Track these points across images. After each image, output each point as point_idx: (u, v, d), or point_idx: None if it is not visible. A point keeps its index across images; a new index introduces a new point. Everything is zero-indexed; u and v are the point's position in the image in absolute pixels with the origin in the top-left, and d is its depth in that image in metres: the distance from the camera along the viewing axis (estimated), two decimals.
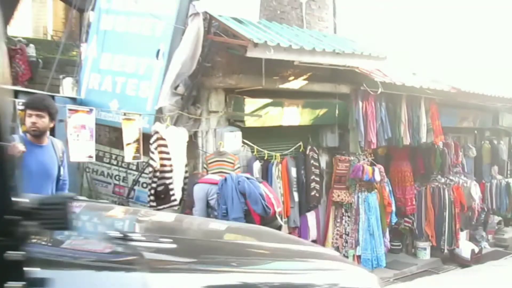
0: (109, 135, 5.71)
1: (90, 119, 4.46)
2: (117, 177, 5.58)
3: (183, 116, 5.16)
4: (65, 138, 4.12)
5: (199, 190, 4.51)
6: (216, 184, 4.43)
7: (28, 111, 2.99)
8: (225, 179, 4.34)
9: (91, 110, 4.49)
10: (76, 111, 4.42)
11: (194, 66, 4.98)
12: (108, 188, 5.65)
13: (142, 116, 4.73)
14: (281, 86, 5.59)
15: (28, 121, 2.96)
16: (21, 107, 3.94)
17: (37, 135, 3.03)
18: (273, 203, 4.25)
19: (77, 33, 9.29)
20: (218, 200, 4.37)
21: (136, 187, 5.39)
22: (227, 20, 4.96)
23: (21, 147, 2.72)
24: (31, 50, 8.98)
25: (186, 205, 5.06)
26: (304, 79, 5.95)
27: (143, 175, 5.28)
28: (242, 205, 4.23)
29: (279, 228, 4.76)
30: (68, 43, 9.26)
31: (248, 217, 4.22)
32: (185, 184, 5.01)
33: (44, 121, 3.02)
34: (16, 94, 4.56)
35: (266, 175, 5.33)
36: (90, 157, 4.44)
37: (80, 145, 4.36)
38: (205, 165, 5.19)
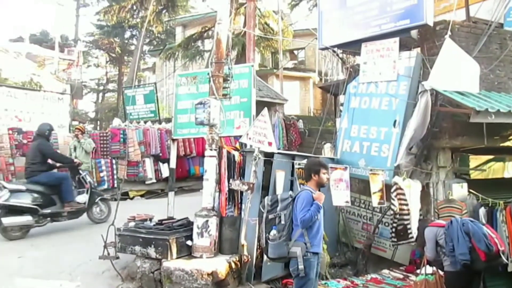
0: (358, 185, 7.25)
1: (346, 174, 6.09)
2: (364, 217, 7.06)
3: (417, 170, 6.29)
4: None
5: (429, 232, 4.97)
6: (443, 227, 4.89)
7: (323, 170, 4.47)
8: (451, 222, 4.79)
9: (346, 167, 6.14)
10: (336, 168, 6.09)
11: (424, 131, 6.06)
12: (358, 225, 7.17)
13: (384, 171, 6.12)
14: (502, 144, 6.08)
15: (324, 177, 4.47)
16: (299, 166, 5.90)
17: (324, 186, 4.71)
18: (496, 242, 4.57)
19: (331, 110, 11.62)
20: (445, 239, 4.77)
21: (380, 225, 6.72)
22: (451, 94, 5.88)
23: (322, 195, 4.21)
24: (300, 124, 11.72)
25: (418, 244, 5.88)
26: None
27: (385, 216, 6.58)
28: (467, 243, 4.55)
29: (504, 266, 5.22)
30: (325, 117, 11.69)
31: (473, 253, 4.55)
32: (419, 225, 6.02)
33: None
34: (293, 156, 6.60)
35: (491, 220, 5.82)
36: (347, 202, 5.98)
37: (339, 194, 5.95)
38: (436, 210, 6.11)
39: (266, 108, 5.60)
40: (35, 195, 6.95)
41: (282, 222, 4.08)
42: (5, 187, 6.80)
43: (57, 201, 7.23)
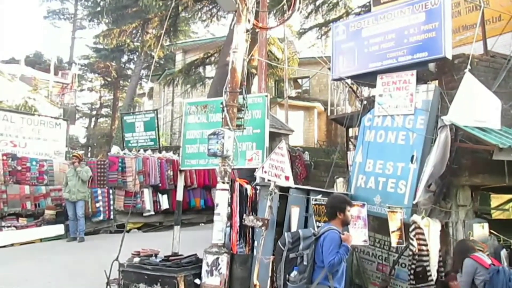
0: (372, 223, 7.19)
1: (363, 211, 6.10)
2: (380, 257, 7.00)
3: (436, 209, 6.29)
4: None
5: (470, 266, 4.94)
6: (486, 267, 4.82)
7: (348, 207, 4.46)
8: (498, 271, 4.71)
9: (363, 204, 6.15)
10: (353, 205, 6.09)
11: (443, 168, 6.06)
12: (373, 266, 7.09)
13: (402, 209, 6.12)
14: None
15: (349, 215, 4.49)
16: (315, 202, 5.92)
17: (348, 224, 4.70)
18: None
19: (336, 141, 11.75)
20: (485, 284, 4.71)
21: (396, 266, 6.64)
22: (472, 129, 5.90)
23: (351, 237, 4.19)
24: (306, 156, 11.79)
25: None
26: None
27: (402, 256, 6.52)
28: None
29: None
30: (331, 149, 11.79)
31: None
32: (440, 267, 5.98)
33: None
34: (308, 191, 6.50)
35: None
36: (365, 241, 5.96)
37: (357, 232, 5.93)
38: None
39: (283, 140, 5.66)
40: None
41: (305, 262, 4.03)
42: None
43: None
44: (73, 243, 9.74)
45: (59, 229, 10.34)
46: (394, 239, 5.93)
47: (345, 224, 4.35)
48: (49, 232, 10.16)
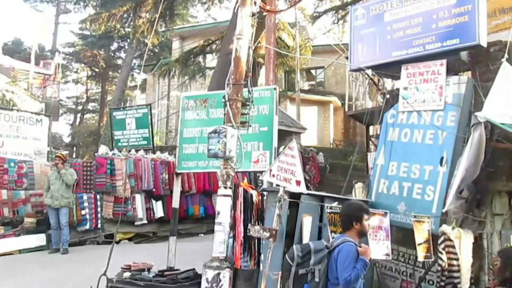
0: (395, 234, 7.19)
1: (386, 220, 6.08)
2: (404, 273, 6.99)
3: (468, 218, 6.28)
4: None
5: None
6: None
7: (365, 216, 4.41)
8: None
9: (386, 213, 6.14)
10: (374, 213, 6.07)
11: (477, 172, 6.04)
12: (396, 283, 7.09)
13: (430, 218, 6.11)
14: None
15: (367, 225, 4.45)
16: (330, 210, 5.93)
17: (365, 235, 4.68)
18: None
19: (354, 140, 11.76)
20: None
21: (423, 284, 6.64)
22: (510, 127, 5.85)
23: (369, 250, 4.18)
24: (320, 157, 11.80)
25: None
26: None
27: (429, 272, 6.51)
28: None
29: None
30: (348, 150, 11.79)
31: None
32: (472, 284, 5.97)
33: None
34: (322, 198, 6.50)
35: None
36: (387, 255, 5.94)
37: (378, 245, 5.90)
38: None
39: (294, 140, 5.67)
40: None
41: (316, 279, 4.04)
42: None
43: None
44: (56, 255, 9.81)
45: (40, 239, 10.40)
46: (420, 252, 5.92)
47: (362, 235, 4.35)
48: (29, 242, 10.23)
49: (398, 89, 7.42)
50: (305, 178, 11.77)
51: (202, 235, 12.48)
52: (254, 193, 5.76)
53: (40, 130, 12.48)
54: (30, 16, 41.83)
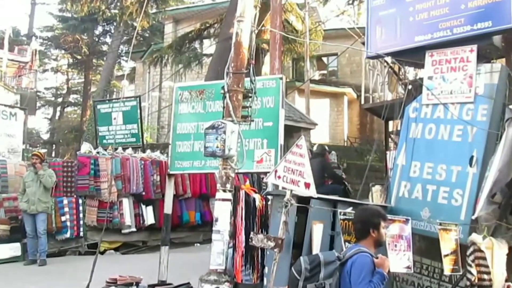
0: (418, 244, 7.18)
1: (407, 228, 6.04)
2: None
3: (502, 226, 6.25)
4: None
5: None
6: None
7: (383, 223, 4.36)
8: None
9: (407, 219, 6.10)
10: (393, 220, 6.06)
11: None
12: None
13: (458, 226, 6.08)
14: None
15: (384, 233, 4.40)
16: (344, 217, 5.92)
17: (382, 245, 4.66)
18: None
19: (371, 138, 11.76)
20: None
21: None
22: None
23: (387, 261, 4.16)
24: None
25: None
26: None
27: (457, 287, 6.50)
28: None
29: None
30: (365, 148, 11.78)
31: None
32: None
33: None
34: (335, 203, 6.53)
35: None
36: (408, 268, 5.90)
37: (398, 256, 5.86)
38: None
39: (303, 137, 5.65)
40: None
41: None
42: None
43: None
44: (33, 266, 9.82)
45: (14, 249, 10.40)
46: (447, 265, 5.92)
47: (378, 244, 4.32)
48: (2, 252, 10.24)
49: (421, 79, 7.41)
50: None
51: (198, 244, 12.50)
52: (257, 197, 5.75)
53: (14, 125, 12.47)
54: None
